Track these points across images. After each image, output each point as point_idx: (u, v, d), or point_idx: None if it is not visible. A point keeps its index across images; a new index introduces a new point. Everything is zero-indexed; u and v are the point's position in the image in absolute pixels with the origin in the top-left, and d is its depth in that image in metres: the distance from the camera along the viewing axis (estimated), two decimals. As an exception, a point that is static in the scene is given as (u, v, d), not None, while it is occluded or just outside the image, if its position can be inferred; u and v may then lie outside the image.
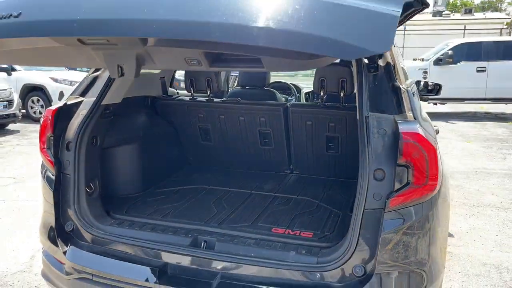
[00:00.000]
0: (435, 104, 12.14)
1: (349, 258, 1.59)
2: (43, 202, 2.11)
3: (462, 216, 4.36)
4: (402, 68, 2.33)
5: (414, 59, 12.66)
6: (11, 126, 9.53)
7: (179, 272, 1.75)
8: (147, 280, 1.72)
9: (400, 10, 1.24)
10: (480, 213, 4.46)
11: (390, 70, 1.77)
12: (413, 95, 1.87)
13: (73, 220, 1.97)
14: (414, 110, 1.74)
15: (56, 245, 1.93)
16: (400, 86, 1.74)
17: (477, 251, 3.58)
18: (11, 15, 1.30)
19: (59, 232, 1.95)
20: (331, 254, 1.66)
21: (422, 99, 3.96)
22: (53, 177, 2.02)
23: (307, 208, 2.42)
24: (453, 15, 38.91)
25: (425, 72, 11.25)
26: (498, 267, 3.30)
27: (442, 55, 11.23)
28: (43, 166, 2.16)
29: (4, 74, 10.63)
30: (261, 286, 1.66)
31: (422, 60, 11.73)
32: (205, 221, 2.14)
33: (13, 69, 10.84)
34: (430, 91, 4.25)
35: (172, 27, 1.20)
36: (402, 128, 1.57)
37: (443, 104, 12.41)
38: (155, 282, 1.70)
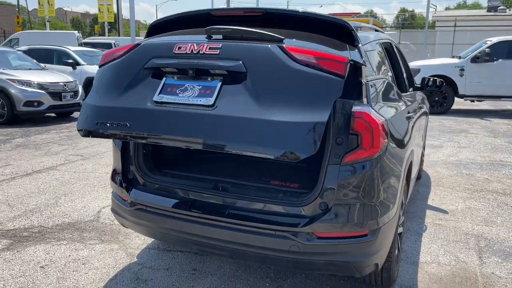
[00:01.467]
0: (472, 101, 12.35)
1: (316, 197, 2.30)
2: (113, 159, 2.96)
3: (462, 198, 4.91)
4: (379, 64, 2.98)
5: (453, 57, 12.87)
6: (75, 114, 10.79)
7: (203, 205, 2.53)
8: (181, 208, 2.53)
9: (325, 120, 2.02)
10: (480, 197, 4.98)
11: (357, 72, 2.42)
12: (372, 87, 2.52)
13: (133, 171, 2.80)
14: (369, 98, 2.41)
15: (122, 187, 2.78)
16: (362, 81, 2.41)
17: (464, 224, 4.16)
18: None
19: (124, 179, 2.80)
20: (307, 196, 2.38)
21: (430, 95, 4.53)
22: (121, 142, 2.85)
23: (296, 167, 3.16)
24: (510, 10, 37.49)
25: (462, 70, 11.50)
26: (478, 237, 3.88)
27: (479, 53, 11.43)
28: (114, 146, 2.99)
29: (70, 68, 11.94)
30: (258, 214, 2.40)
31: (459, 57, 11.95)
32: (224, 175, 2.90)
33: (78, 64, 12.13)
34: (438, 86, 4.81)
35: None
36: (355, 109, 2.26)
37: (481, 101, 12.57)
38: (187, 210, 2.50)
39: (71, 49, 12.71)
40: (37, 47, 13.02)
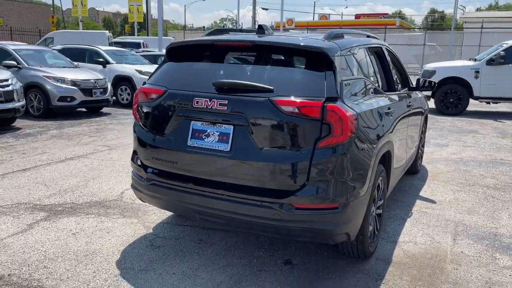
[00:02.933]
0: (488, 103, 12.53)
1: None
2: (133, 144, 3.53)
3: (453, 191, 5.31)
4: (359, 67, 3.46)
5: (470, 59, 13.07)
6: (104, 110, 11.56)
7: (203, 180, 3.07)
8: (186, 182, 3.08)
9: (308, 158, 2.77)
10: (470, 190, 5.37)
11: (332, 76, 2.91)
12: (346, 86, 3.00)
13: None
14: (342, 95, 2.90)
15: (140, 167, 3.36)
16: (337, 82, 2.90)
17: (448, 212, 4.58)
18: None
19: (142, 161, 3.37)
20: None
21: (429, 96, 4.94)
22: (139, 131, 3.41)
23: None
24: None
25: (477, 72, 11.71)
26: (457, 223, 4.30)
27: (495, 55, 11.62)
28: (135, 123, 3.56)
29: (100, 66, 12.73)
30: (248, 189, 2.92)
31: (475, 60, 12.16)
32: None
33: (107, 62, 12.92)
34: (431, 87, 5.22)
35: None
36: (327, 103, 2.77)
37: (496, 103, 12.73)
38: (190, 184, 3.05)
39: (102, 48, 13.52)
40: (70, 46, 13.90)
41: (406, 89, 5.20)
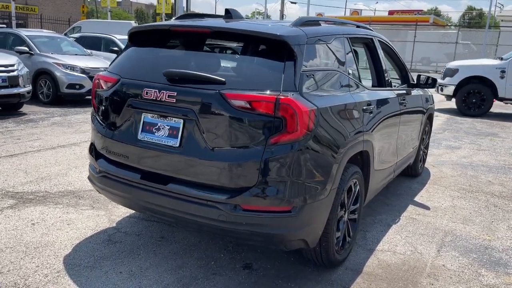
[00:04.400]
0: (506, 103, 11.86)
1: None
2: (91, 136, 3.35)
3: (452, 197, 4.92)
4: (332, 58, 3.15)
5: (497, 58, 12.38)
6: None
7: (150, 175, 2.85)
8: (134, 177, 2.87)
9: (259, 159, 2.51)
10: (472, 197, 4.96)
11: (293, 66, 2.62)
12: (308, 78, 2.71)
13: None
14: (301, 86, 2.61)
15: (94, 158, 3.17)
16: (296, 73, 2.61)
17: (440, 220, 4.21)
18: None
19: (96, 152, 3.18)
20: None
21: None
22: (96, 123, 3.22)
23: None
24: None
25: (503, 72, 11.07)
26: (447, 232, 3.94)
27: (521, 54, 10.95)
28: (92, 113, 3.37)
29: (115, 55, 12.68)
30: (194, 186, 2.68)
31: (501, 59, 11.50)
32: None
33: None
34: (430, 84, 4.86)
35: None
36: (282, 95, 2.49)
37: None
38: (137, 179, 2.84)
39: (117, 37, 13.50)
40: (87, 34, 13.97)
41: (405, 85, 4.86)
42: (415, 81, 4.83)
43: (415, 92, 4.89)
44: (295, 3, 37.50)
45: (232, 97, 2.54)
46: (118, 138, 2.97)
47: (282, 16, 38.49)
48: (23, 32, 11.02)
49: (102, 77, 3.13)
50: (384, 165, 3.90)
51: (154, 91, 2.74)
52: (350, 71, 3.34)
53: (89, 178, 3.33)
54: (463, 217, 4.34)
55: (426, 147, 5.85)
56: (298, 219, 2.62)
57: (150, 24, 3.17)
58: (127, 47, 3.27)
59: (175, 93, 2.68)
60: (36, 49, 10.36)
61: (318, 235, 2.85)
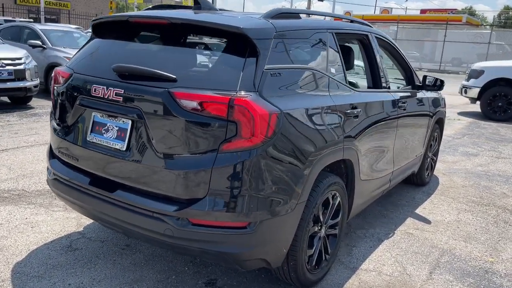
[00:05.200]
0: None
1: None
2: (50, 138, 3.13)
3: (458, 210, 4.49)
4: (310, 53, 2.83)
5: (527, 60, 11.67)
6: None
7: (96, 181, 2.59)
8: (80, 181, 2.62)
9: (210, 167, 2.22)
10: (481, 211, 4.52)
11: (254, 63, 2.31)
12: (273, 77, 2.38)
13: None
14: (262, 86, 2.29)
15: (48, 159, 2.94)
16: (257, 72, 2.30)
17: (439, 237, 3.81)
18: None
19: (51, 153, 2.96)
20: None
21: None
22: (53, 125, 2.98)
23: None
24: None
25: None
26: (444, 251, 3.55)
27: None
28: (50, 114, 3.15)
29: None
30: (139, 195, 2.40)
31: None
32: None
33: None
34: (436, 86, 4.47)
35: None
36: (238, 96, 2.18)
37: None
38: (84, 184, 2.59)
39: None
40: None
41: (409, 87, 4.46)
42: (421, 82, 4.44)
43: (421, 94, 4.49)
44: (322, 1, 36.76)
45: (181, 97, 2.25)
46: (69, 138, 2.73)
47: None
48: (37, 26, 11.02)
49: (59, 71, 2.89)
50: (376, 174, 3.54)
51: (102, 88, 2.48)
52: (333, 70, 2.99)
53: (47, 181, 3.11)
54: (467, 233, 3.92)
55: (435, 154, 5.42)
56: (255, 236, 2.31)
57: (112, 15, 2.92)
58: (90, 39, 3.02)
59: (122, 90, 2.41)
60: (49, 43, 10.33)
61: (283, 254, 2.54)
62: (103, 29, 2.94)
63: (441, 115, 5.14)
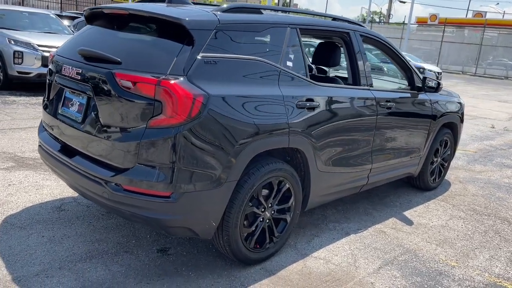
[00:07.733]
0: None
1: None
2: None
3: (452, 217, 4.38)
4: (263, 46, 3.02)
5: None
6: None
7: (59, 146, 3.04)
8: (51, 147, 3.08)
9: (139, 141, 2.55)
10: (476, 220, 4.37)
11: (189, 51, 2.58)
12: (208, 64, 2.61)
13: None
14: (192, 71, 2.53)
15: (38, 130, 3.46)
16: (191, 57, 2.57)
17: (412, 238, 3.79)
18: None
19: (41, 125, 3.46)
20: None
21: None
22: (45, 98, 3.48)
23: None
24: None
25: None
26: (407, 251, 3.54)
27: None
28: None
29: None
30: (86, 160, 2.79)
31: None
32: None
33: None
34: (433, 87, 4.43)
35: None
36: (165, 78, 2.47)
37: None
38: (53, 150, 3.04)
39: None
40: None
41: (409, 88, 4.44)
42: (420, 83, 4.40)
43: (422, 96, 4.45)
44: (404, 2, 35.54)
45: (120, 77, 2.59)
46: (48, 111, 3.20)
47: (389, 15, 36.85)
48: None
49: (51, 54, 3.38)
50: (342, 168, 3.62)
51: (69, 68, 2.92)
52: (290, 64, 3.16)
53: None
54: (444, 238, 3.85)
55: (446, 160, 5.26)
56: (177, 205, 2.58)
57: (95, 6, 3.34)
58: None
59: (81, 70, 2.82)
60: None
61: (212, 227, 2.78)
62: (91, 17, 3.38)
63: (452, 119, 5.00)
